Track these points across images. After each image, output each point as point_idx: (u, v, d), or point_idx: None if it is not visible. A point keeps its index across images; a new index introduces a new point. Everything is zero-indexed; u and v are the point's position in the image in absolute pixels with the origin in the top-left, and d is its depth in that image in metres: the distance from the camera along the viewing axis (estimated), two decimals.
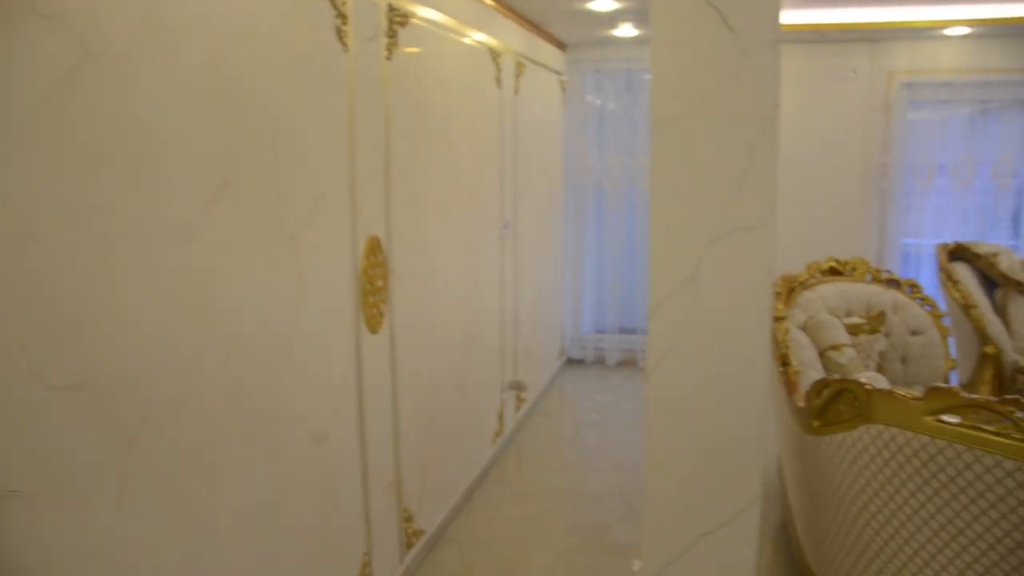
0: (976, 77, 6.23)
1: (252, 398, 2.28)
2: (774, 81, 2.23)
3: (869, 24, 5.91)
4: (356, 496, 3.00)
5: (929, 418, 2.14)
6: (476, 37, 4.20)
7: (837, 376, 2.65)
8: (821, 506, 2.69)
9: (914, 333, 4.40)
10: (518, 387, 5.12)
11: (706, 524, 2.49)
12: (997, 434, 2.04)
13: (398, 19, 3.13)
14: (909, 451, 2.19)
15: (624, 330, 6.92)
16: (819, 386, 2.50)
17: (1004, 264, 5.20)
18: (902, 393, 2.19)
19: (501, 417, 4.86)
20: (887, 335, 4.30)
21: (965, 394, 2.08)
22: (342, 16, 2.66)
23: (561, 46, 6.33)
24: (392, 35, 3.09)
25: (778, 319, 3.22)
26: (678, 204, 2.29)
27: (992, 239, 6.32)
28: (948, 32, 6.05)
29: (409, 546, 3.50)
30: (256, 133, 2.24)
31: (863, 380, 2.34)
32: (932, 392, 2.13)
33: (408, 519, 3.48)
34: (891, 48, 6.30)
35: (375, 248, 2.99)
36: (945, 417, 2.13)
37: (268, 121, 2.30)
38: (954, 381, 5.29)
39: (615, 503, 4.25)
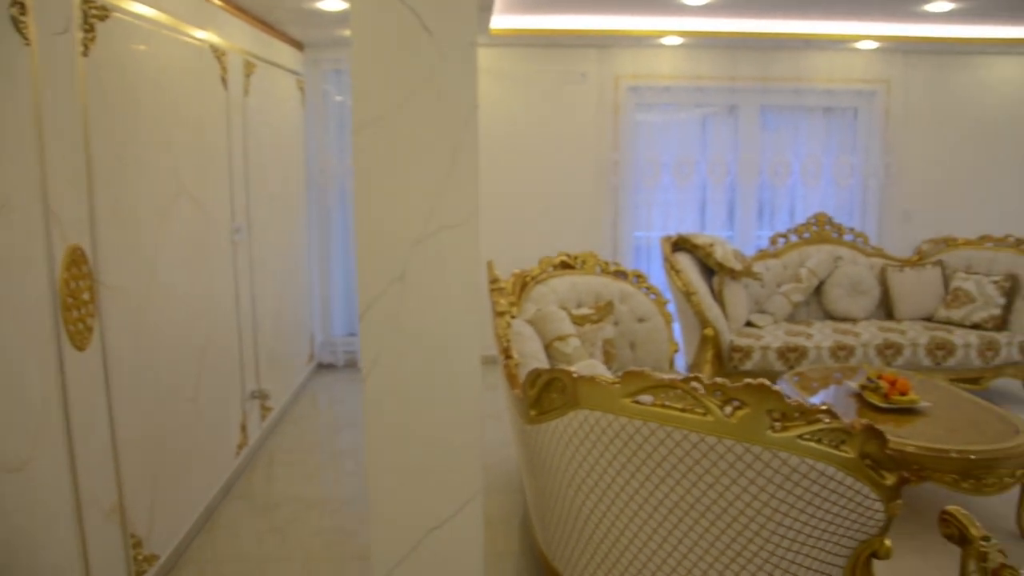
0: (690, 83, 6.79)
1: None
2: (472, 82, 2.30)
3: (596, 31, 6.25)
4: (69, 527, 2.77)
5: (627, 400, 2.30)
6: (197, 35, 4.01)
7: (547, 367, 2.77)
8: (545, 492, 2.81)
9: (641, 320, 4.71)
10: (261, 396, 4.95)
11: (432, 519, 2.53)
12: (683, 410, 2.22)
13: (96, 12, 2.92)
14: (612, 432, 2.34)
15: None
16: (532, 376, 2.61)
17: (719, 253, 5.69)
18: (602, 378, 2.33)
19: (244, 428, 4.69)
20: (616, 323, 4.57)
21: (655, 375, 2.25)
22: (19, 4, 2.43)
23: (298, 46, 6.20)
24: (89, 29, 2.87)
25: (500, 314, 3.33)
26: (383, 205, 2.30)
27: (711, 231, 6.92)
28: (664, 41, 6.53)
29: (140, 574, 3.29)
30: None
31: (571, 368, 2.46)
32: (627, 376, 2.28)
33: (137, 545, 3.27)
34: (616, 54, 6.73)
35: (78, 259, 2.77)
36: (640, 398, 2.29)
37: None
38: (680, 362, 5.73)
39: (362, 506, 4.21)
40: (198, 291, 3.99)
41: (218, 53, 4.28)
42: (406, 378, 2.40)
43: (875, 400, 4.19)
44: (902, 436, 3.81)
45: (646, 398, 2.28)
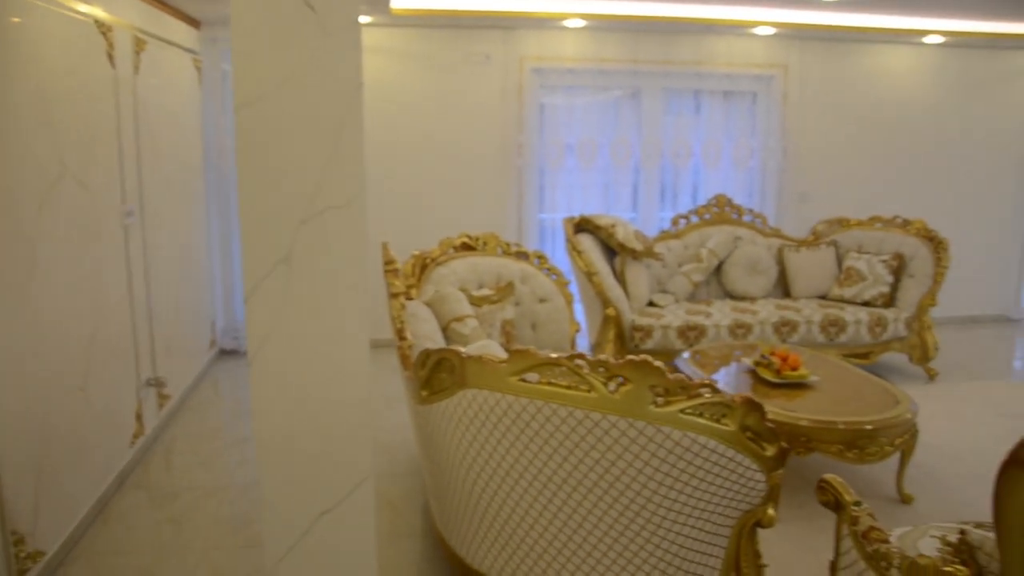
0: (594, 66, 6.84)
1: None
2: (356, 60, 2.27)
3: (499, 12, 6.23)
4: None
5: (513, 378, 2.31)
6: (80, 8, 3.85)
7: (438, 347, 2.77)
8: (440, 473, 2.82)
9: (542, 301, 4.75)
10: (158, 384, 4.82)
11: (324, 503, 2.52)
12: (568, 387, 2.25)
13: None
14: (500, 411, 2.36)
15: None
16: (422, 357, 2.60)
17: (621, 234, 5.77)
18: (489, 357, 2.34)
19: (140, 417, 4.55)
20: (517, 304, 4.59)
21: (540, 353, 2.27)
22: None
23: (194, 23, 6.01)
24: None
25: (394, 295, 3.31)
26: (267, 185, 2.26)
27: (615, 212, 7.00)
28: (567, 24, 6.56)
29: (22, 572, 3.17)
30: None
31: (459, 348, 2.46)
32: (513, 354, 2.30)
33: (19, 542, 3.14)
34: (521, 35, 6.73)
35: None
36: (527, 376, 2.31)
37: None
38: (583, 342, 5.80)
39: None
40: (85, 276, 3.84)
41: (103, 28, 4.12)
42: (293, 361, 2.37)
43: (768, 376, 4.32)
44: (792, 410, 3.94)
45: (533, 376, 2.30)
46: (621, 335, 5.49)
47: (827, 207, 7.33)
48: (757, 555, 2.59)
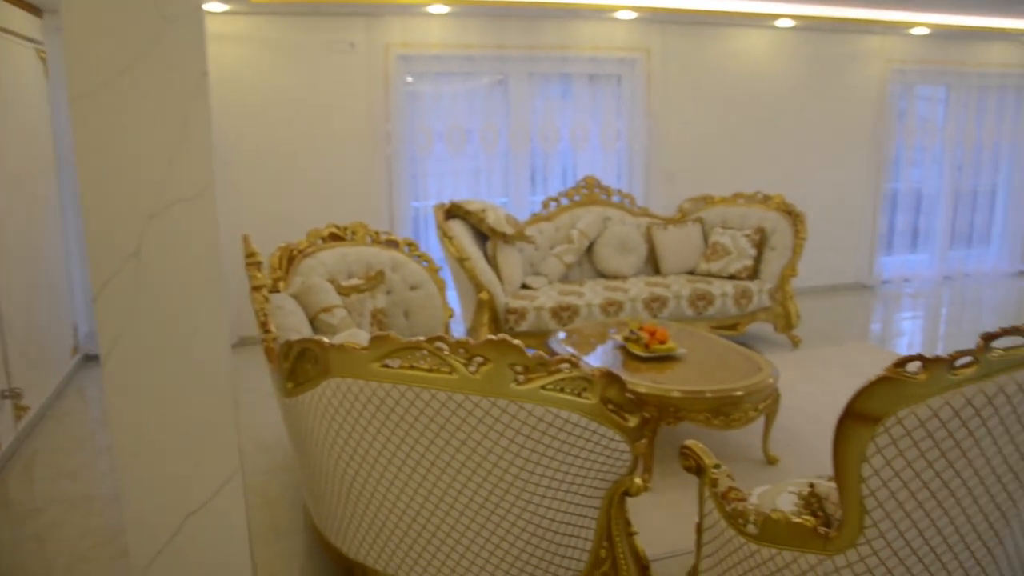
0: (460, 52, 6.84)
1: None
2: (200, 49, 2.21)
3: None
4: None
5: (375, 365, 2.30)
6: None
7: (299, 337, 2.73)
8: (311, 466, 2.78)
9: (413, 288, 4.74)
10: (13, 396, 4.58)
11: (191, 503, 2.47)
12: (429, 370, 2.26)
13: None
14: (364, 398, 2.34)
15: None
16: (285, 348, 2.57)
17: (491, 219, 5.81)
18: (351, 345, 2.33)
19: None
20: (389, 292, 4.57)
21: (400, 338, 2.27)
22: None
23: (36, 12, 5.69)
24: None
25: (256, 288, 3.25)
26: (111, 180, 2.18)
27: (487, 198, 7.03)
28: (431, 9, 6.53)
29: None
30: None
31: (321, 337, 2.44)
32: (374, 341, 2.29)
33: None
34: (386, 23, 6.65)
35: None
36: (389, 362, 2.31)
37: None
38: (460, 327, 5.83)
39: None
40: None
41: None
42: (148, 360, 2.31)
43: (637, 350, 4.44)
44: (662, 382, 4.06)
45: (396, 362, 2.30)
46: (496, 319, 5.53)
47: (692, 185, 7.57)
48: (628, 523, 2.67)
